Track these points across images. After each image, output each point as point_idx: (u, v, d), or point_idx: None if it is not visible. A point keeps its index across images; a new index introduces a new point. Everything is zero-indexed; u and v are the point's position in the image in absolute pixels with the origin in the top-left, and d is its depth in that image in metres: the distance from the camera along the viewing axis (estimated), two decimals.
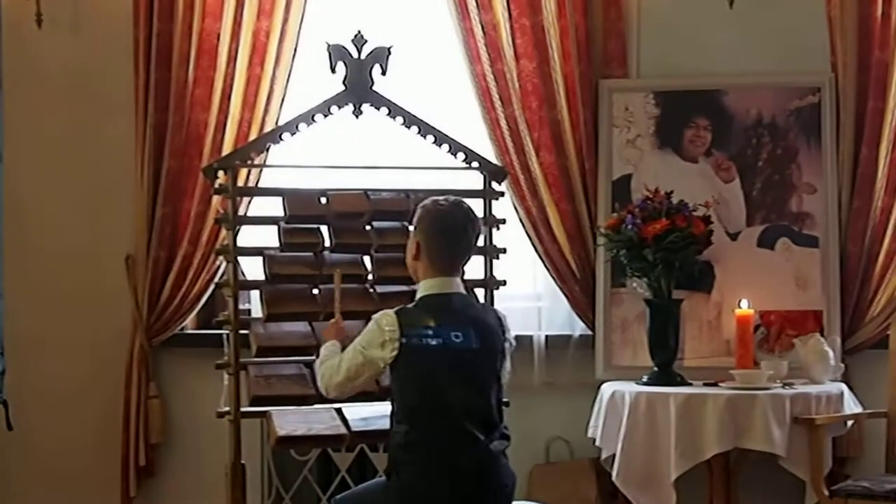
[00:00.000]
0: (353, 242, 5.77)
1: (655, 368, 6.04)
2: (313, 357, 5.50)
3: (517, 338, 5.98)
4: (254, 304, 6.32)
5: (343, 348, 5.12)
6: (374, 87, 5.89)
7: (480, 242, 5.71)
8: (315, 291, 5.74)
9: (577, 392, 6.33)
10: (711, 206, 6.14)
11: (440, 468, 4.87)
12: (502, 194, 6.07)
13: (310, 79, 6.43)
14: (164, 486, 6.68)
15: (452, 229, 5.02)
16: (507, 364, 5.12)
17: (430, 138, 5.95)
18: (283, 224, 5.76)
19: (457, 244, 5.03)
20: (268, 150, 6.20)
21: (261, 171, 6.39)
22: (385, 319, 4.95)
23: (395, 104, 5.92)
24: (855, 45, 6.22)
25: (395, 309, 4.98)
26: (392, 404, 5.03)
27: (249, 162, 6.08)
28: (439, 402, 4.90)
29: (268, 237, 5.84)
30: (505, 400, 5.12)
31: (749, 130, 6.34)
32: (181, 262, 6.55)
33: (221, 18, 6.50)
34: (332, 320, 5.40)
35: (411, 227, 5.10)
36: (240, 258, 5.79)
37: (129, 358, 6.60)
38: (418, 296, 5.03)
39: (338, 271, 5.52)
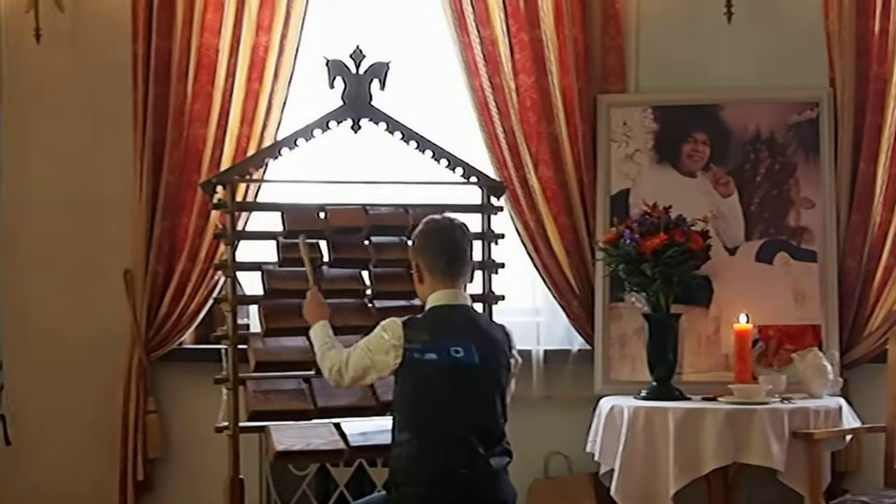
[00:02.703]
0: (352, 257, 5.76)
1: (654, 383, 6.03)
2: (312, 372, 5.50)
3: None
4: (252, 319, 6.31)
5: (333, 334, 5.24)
6: (373, 102, 5.89)
7: (479, 257, 5.74)
8: None
9: (576, 407, 6.31)
10: (710, 221, 6.14)
11: (441, 482, 4.88)
12: (501, 209, 6.07)
13: (308, 94, 6.43)
14: (162, 501, 6.67)
15: (442, 234, 5.10)
16: (512, 382, 5.15)
17: (429, 153, 5.95)
18: (281, 239, 5.75)
19: (450, 248, 5.09)
20: (266, 165, 6.21)
21: (259, 185, 6.39)
22: (391, 327, 5.01)
23: (393, 119, 5.92)
24: (853, 60, 6.21)
25: (403, 318, 5.02)
26: (393, 416, 5.04)
27: (248, 177, 6.09)
28: (439, 415, 4.91)
29: (266, 252, 5.84)
30: None
31: (747, 145, 6.34)
32: (180, 277, 6.55)
33: (220, 34, 6.50)
34: (309, 295, 5.43)
35: (410, 254, 5.18)
36: (238, 273, 5.79)
37: (127, 373, 6.59)
38: (426, 308, 5.09)
39: (302, 237, 5.57)
